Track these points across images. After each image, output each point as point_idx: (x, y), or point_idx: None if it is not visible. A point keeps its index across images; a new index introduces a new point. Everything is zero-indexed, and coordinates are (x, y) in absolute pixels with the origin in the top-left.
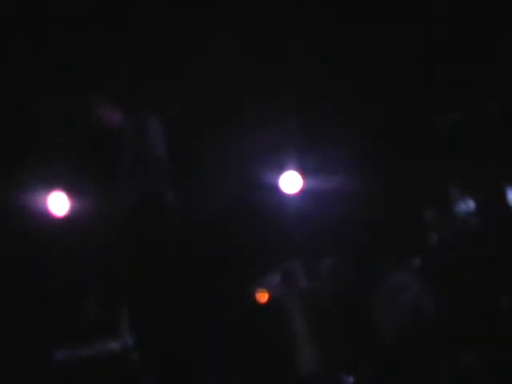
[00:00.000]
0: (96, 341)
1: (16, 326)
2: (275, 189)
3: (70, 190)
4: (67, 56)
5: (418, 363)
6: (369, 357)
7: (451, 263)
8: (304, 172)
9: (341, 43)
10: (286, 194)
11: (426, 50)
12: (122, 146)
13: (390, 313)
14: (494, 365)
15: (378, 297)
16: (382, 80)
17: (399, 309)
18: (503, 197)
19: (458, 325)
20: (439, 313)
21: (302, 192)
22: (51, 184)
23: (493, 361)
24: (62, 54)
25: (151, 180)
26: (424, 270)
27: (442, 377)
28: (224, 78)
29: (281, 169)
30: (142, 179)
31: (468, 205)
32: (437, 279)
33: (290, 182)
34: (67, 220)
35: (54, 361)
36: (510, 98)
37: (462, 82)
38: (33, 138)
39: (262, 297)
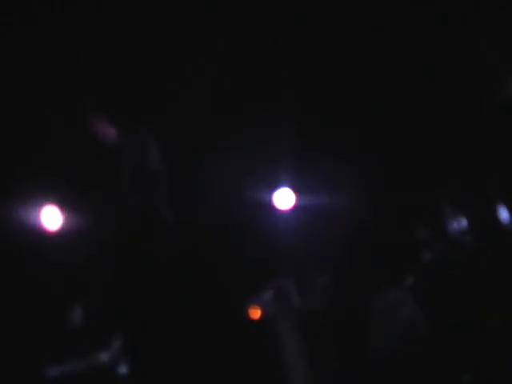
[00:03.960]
0: (86, 353)
1: (8, 337)
2: (269, 206)
3: (64, 205)
4: (66, 72)
5: (414, 381)
6: (363, 375)
7: (444, 281)
8: (298, 189)
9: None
10: (279, 211)
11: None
12: (119, 162)
13: (384, 330)
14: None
15: (372, 314)
16: (377, 97)
17: (394, 326)
18: (495, 215)
19: (451, 342)
20: (433, 330)
21: (296, 209)
22: (45, 198)
23: (488, 378)
24: (62, 69)
25: (149, 195)
26: (418, 287)
27: None
28: (222, 95)
29: (275, 186)
30: (139, 194)
31: (461, 223)
32: (430, 297)
33: (284, 199)
34: (60, 234)
35: (45, 376)
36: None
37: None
38: (30, 152)
39: (255, 313)
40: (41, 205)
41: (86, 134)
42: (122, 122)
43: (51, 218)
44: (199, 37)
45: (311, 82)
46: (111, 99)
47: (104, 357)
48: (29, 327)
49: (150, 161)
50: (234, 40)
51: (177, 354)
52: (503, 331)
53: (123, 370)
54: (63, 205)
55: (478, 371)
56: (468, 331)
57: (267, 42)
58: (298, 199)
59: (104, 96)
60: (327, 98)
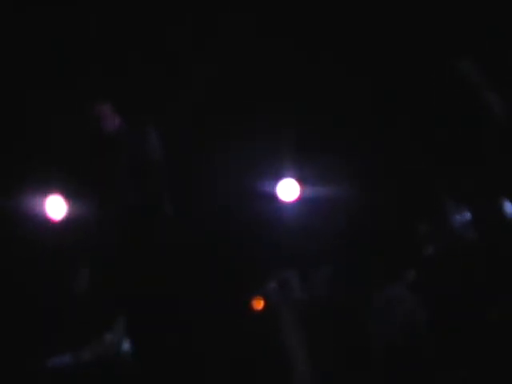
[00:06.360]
0: (90, 342)
1: (12, 326)
2: (273, 197)
3: (68, 195)
4: (69, 64)
5: (413, 376)
6: (363, 368)
7: (446, 276)
8: (302, 181)
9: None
10: (283, 203)
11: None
12: (120, 153)
13: (384, 325)
14: (487, 378)
15: (373, 308)
16: (379, 92)
17: (394, 321)
18: (499, 209)
19: (451, 338)
20: (434, 325)
21: (300, 200)
22: (49, 188)
23: (487, 374)
24: (64, 62)
25: (149, 188)
26: (419, 282)
27: None
28: (224, 89)
29: (279, 177)
30: (140, 187)
31: (464, 217)
32: (432, 291)
33: (288, 191)
34: (64, 224)
35: (49, 366)
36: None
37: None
38: (32, 143)
39: (258, 304)
40: (44, 195)
41: (89, 125)
42: (124, 114)
43: (54, 207)
44: (201, 33)
45: (313, 74)
46: (114, 91)
47: (107, 339)
48: (31, 317)
49: (151, 153)
50: (234, 37)
51: (179, 341)
52: (504, 327)
53: (127, 350)
54: (66, 195)
55: (478, 367)
56: (469, 327)
57: (268, 39)
58: (301, 191)
59: (106, 87)
60: (330, 90)
